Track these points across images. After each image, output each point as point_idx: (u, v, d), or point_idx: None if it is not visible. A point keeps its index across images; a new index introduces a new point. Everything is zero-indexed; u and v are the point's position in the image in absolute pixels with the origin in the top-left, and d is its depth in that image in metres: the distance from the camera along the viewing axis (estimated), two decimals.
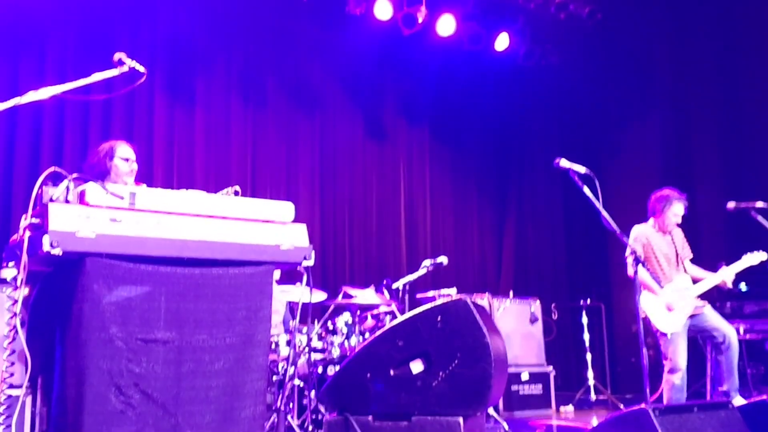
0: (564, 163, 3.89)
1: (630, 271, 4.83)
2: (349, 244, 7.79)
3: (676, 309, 4.88)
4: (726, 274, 4.98)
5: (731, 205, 4.91)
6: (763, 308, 6.41)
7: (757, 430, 3.24)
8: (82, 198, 2.39)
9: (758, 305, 6.39)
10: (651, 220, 5.21)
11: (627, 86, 8.72)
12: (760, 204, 4.85)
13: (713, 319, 4.94)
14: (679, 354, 4.79)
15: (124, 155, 3.76)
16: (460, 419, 3.08)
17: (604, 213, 3.79)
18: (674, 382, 4.76)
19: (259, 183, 7.21)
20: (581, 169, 3.84)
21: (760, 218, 4.83)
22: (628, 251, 4.65)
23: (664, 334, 4.84)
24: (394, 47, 7.91)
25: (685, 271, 5.15)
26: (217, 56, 7.11)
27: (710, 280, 5.01)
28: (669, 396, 4.80)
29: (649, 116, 8.64)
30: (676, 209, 5.09)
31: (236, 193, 2.83)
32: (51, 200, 2.36)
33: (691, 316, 4.91)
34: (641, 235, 5.14)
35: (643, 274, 4.91)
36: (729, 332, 4.87)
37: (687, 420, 3.04)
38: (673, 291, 4.95)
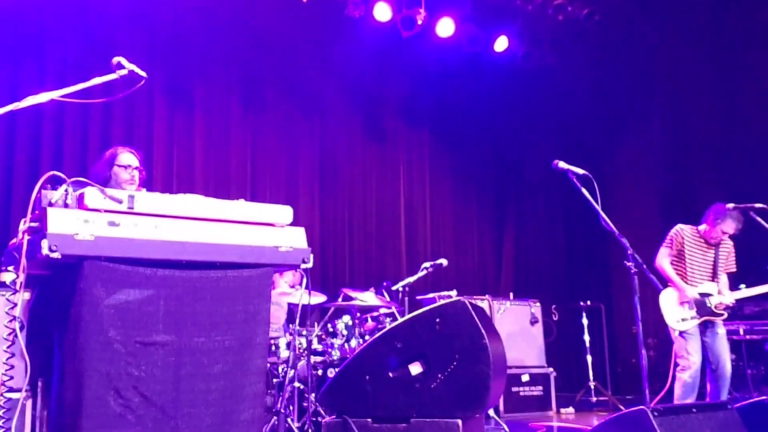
0: (562, 164, 3.90)
1: (659, 262, 5.05)
2: (349, 246, 7.79)
3: (688, 310, 4.88)
4: (741, 295, 4.97)
5: (731, 206, 4.92)
6: (763, 309, 6.41)
7: (755, 431, 3.24)
8: (80, 202, 2.39)
9: (758, 306, 6.39)
10: (702, 226, 5.08)
11: (625, 87, 8.73)
12: (759, 205, 4.86)
13: (720, 346, 4.90)
14: (689, 352, 4.80)
15: (123, 163, 3.68)
16: (459, 421, 3.08)
17: (603, 214, 3.79)
18: (685, 380, 4.78)
19: (259, 186, 7.22)
20: (579, 171, 3.85)
21: (759, 219, 4.84)
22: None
23: (681, 332, 4.86)
24: (393, 49, 7.92)
25: (717, 281, 5.05)
26: (216, 59, 7.13)
27: (735, 295, 4.99)
28: (678, 394, 4.80)
29: (648, 117, 8.65)
30: (727, 227, 4.93)
31: None
32: (50, 204, 2.36)
33: (706, 327, 4.90)
34: (679, 235, 5.07)
35: (669, 269, 5.00)
36: (725, 365, 4.84)
37: (686, 421, 3.04)
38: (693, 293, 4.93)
